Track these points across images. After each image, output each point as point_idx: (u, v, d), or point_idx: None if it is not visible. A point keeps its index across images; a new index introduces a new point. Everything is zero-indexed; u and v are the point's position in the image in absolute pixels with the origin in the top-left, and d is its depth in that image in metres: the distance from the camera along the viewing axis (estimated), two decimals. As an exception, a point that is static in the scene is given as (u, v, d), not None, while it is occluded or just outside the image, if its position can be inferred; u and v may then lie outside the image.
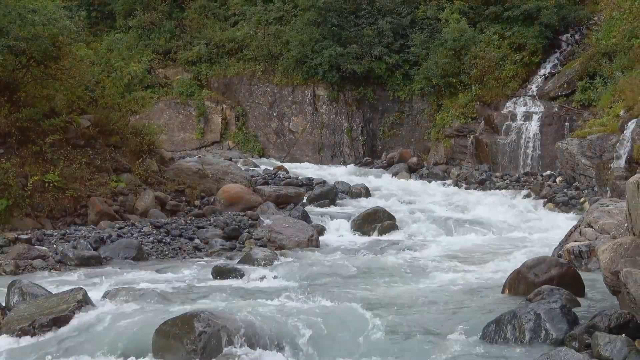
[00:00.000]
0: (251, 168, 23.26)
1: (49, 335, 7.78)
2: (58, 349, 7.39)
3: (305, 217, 15.59)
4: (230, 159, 23.51)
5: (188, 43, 31.26)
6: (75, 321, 7.99)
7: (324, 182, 20.53)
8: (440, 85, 26.35)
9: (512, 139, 24.09)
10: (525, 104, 24.75)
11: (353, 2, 28.95)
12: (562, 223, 15.41)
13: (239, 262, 12.09)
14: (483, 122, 25.21)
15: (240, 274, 10.98)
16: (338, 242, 14.51)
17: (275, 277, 10.85)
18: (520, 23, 26.37)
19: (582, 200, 17.72)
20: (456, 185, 21.95)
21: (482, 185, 21.52)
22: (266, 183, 19.71)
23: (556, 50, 26.64)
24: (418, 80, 27.18)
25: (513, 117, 24.53)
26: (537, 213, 17.38)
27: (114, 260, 12.49)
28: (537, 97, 25.07)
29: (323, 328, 7.46)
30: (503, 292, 9.27)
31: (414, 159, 25.74)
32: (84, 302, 8.39)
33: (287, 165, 24.91)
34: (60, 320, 7.98)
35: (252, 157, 27.54)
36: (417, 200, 18.92)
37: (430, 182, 22.47)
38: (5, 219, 14.04)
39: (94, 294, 9.04)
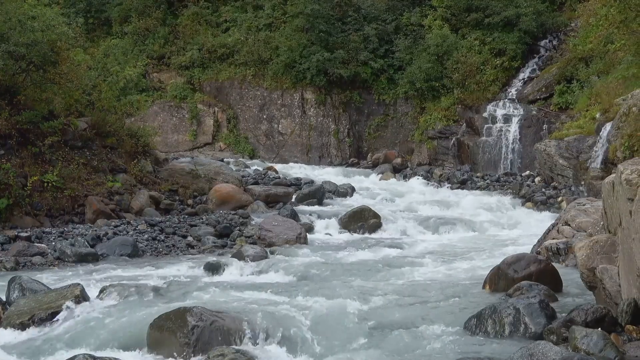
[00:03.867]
0: (242, 168, 23.30)
1: (48, 329, 7.99)
2: (56, 342, 7.56)
3: (294, 216, 15.73)
4: (222, 160, 23.52)
5: (181, 48, 31.47)
6: (72, 316, 8.20)
7: (311, 182, 20.65)
8: (424, 89, 26.70)
9: (493, 141, 24.40)
10: (505, 107, 25.05)
11: (340, 9, 29.34)
12: (540, 221, 15.57)
13: (230, 258, 12.17)
14: (465, 124, 25.60)
15: (231, 270, 11.17)
16: (325, 239, 14.64)
17: (265, 273, 11.00)
18: (501, 29, 26.79)
19: (559, 199, 17.87)
20: (439, 185, 22.15)
21: (463, 185, 21.76)
22: (256, 183, 19.78)
23: (535, 55, 27.05)
24: (402, 84, 27.50)
25: (493, 119, 24.85)
26: (517, 212, 17.54)
27: (110, 257, 12.59)
28: (516, 100, 25.38)
29: (310, 322, 7.67)
30: (484, 287, 9.30)
31: (399, 160, 26.17)
32: (81, 298, 8.60)
33: (276, 165, 25.01)
34: (58, 315, 8.20)
35: (243, 158, 27.65)
36: (402, 199, 19.06)
37: (414, 182, 22.63)
38: (5, 217, 14.21)
39: (91, 290, 9.24)
